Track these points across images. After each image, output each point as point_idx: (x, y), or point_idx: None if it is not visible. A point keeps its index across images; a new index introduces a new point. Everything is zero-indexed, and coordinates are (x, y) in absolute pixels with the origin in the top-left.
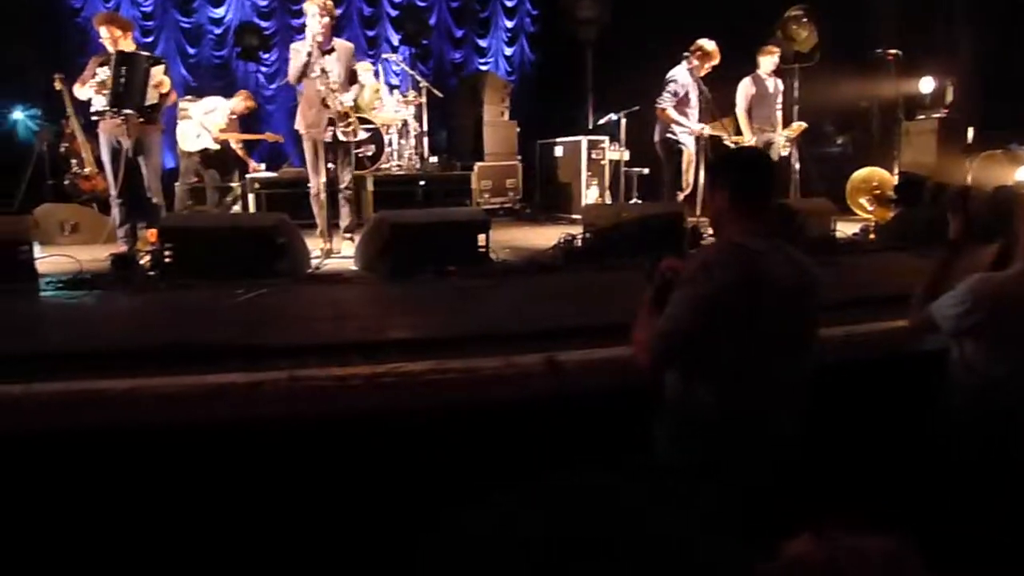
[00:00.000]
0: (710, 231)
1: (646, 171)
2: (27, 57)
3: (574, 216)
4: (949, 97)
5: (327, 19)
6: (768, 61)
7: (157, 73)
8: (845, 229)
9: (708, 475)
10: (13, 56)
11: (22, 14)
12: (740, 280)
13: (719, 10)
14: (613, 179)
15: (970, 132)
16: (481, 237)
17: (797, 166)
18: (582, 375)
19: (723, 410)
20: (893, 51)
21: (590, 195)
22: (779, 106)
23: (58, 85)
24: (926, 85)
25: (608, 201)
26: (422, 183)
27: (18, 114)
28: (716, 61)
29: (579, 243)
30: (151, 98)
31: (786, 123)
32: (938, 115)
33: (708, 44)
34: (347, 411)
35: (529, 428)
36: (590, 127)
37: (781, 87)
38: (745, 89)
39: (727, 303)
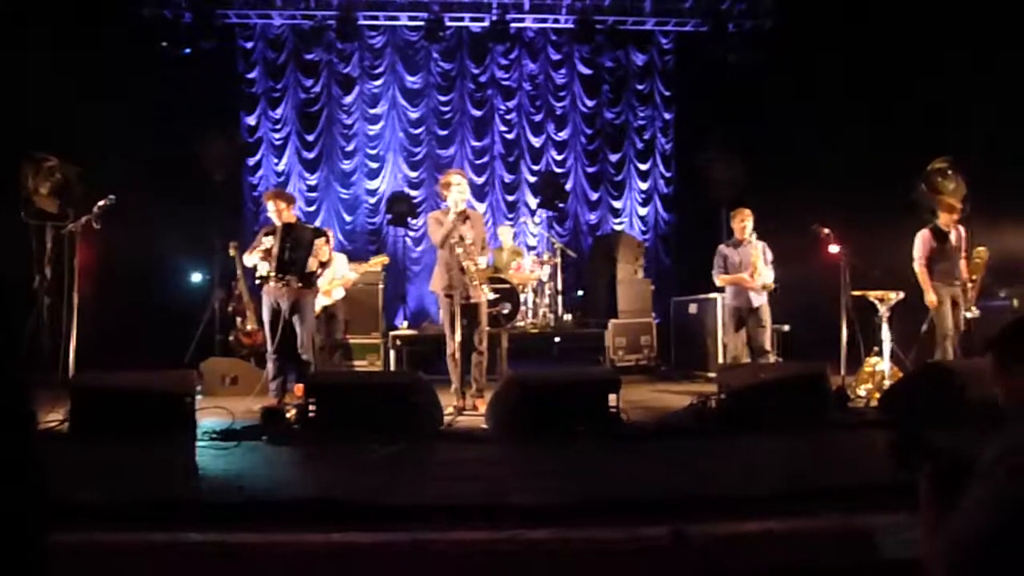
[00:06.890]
0: (860, 393)
1: (786, 328)
2: (210, 228)
3: (710, 374)
4: None
5: (468, 193)
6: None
7: (320, 244)
8: None
9: None
10: (200, 228)
11: (209, 191)
12: None
13: (858, 170)
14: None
15: None
16: (612, 397)
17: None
18: (712, 552)
19: None
20: None
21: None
22: (963, 255)
23: (232, 252)
24: None
25: (746, 359)
26: (557, 340)
27: (197, 276)
28: (743, 219)
29: (713, 404)
30: (311, 266)
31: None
32: None
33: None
34: None
35: None
36: None
37: (964, 235)
38: (924, 241)
39: None
